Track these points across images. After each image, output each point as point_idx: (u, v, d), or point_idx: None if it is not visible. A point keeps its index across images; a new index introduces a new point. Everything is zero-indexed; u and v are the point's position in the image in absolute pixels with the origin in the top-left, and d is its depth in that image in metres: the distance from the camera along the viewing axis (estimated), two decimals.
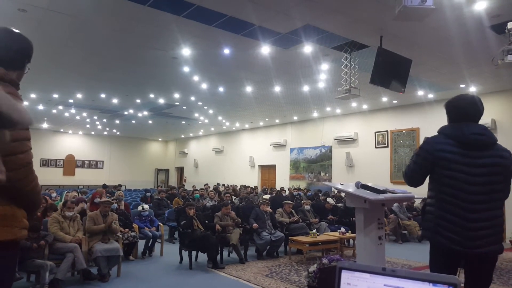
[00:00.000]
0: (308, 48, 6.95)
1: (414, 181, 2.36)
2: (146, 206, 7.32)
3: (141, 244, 6.76)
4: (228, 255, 6.65)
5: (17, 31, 1.65)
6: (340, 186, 2.82)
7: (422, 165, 2.30)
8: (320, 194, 11.72)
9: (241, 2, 5.25)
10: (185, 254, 6.26)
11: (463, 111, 2.32)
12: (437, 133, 2.38)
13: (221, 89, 10.35)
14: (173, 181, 24.38)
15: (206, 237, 6.02)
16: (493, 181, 2.20)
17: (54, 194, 8.28)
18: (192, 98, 11.70)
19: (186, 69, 8.45)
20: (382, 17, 5.51)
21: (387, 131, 12.09)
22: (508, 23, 4.62)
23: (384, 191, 2.67)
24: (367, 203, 2.60)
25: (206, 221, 6.69)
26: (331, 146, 13.94)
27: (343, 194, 11.67)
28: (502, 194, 2.26)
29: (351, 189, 2.70)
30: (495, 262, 2.30)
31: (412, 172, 2.35)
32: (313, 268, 3.99)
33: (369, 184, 2.71)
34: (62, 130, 20.75)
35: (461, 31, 5.94)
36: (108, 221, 5.47)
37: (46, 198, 6.61)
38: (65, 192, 8.94)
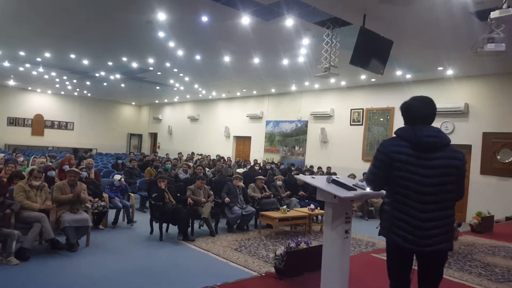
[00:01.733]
0: (289, 22, 6.77)
1: (375, 184, 2.44)
2: (122, 179, 7.20)
3: (111, 213, 6.69)
4: (199, 228, 6.69)
5: None
6: (311, 180, 2.81)
7: (380, 167, 2.36)
8: (292, 168, 11.88)
9: None
10: (155, 225, 6.25)
11: (416, 113, 2.37)
12: (393, 135, 2.46)
13: (198, 57, 10.04)
14: (146, 147, 24.03)
15: (177, 210, 6.01)
16: (444, 181, 2.28)
17: (21, 159, 7.95)
18: (167, 64, 11.32)
19: (161, 34, 8.09)
20: None
21: (363, 109, 12.21)
22: (492, 13, 4.61)
23: (354, 188, 2.69)
24: (337, 199, 2.62)
25: (178, 194, 6.66)
26: (307, 121, 14.00)
27: (315, 170, 11.88)
28: (454, 194, 2.35)
29: (322, 183, 2.70)
30: (445, 259, 2.45)
31: (372, 175, 2.42)
32: (280, 250, 4.06)
33: (340, 180, 2.72)
34: (30, 88, 19.79)
35: (445, 16, 5.91)
36: (76, 191, 5.32)
37: (13, 164, 6.36)
38: (32, 157, 8.61)
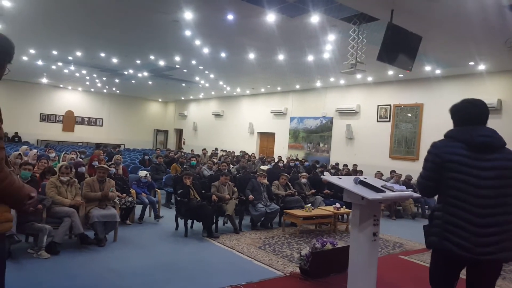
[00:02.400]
0: (315, 18, 6.68)
1: (428, 189, 2.28)
2: (147, 175, 7.35)
3: (138, 209, 6.84)
4: (224, 224, 6.74)
5: None
6: (337, 181, 2.76)
7: (432, 169, 2.22)
8: (317, 166, 11.76)
9: None
10: (181, 221, 6.34)
11: (467, 113, 2.27)
12: (443, 137, 2.31)
13: (223, 54, 10.08)
14: (171, 142, 24.44)
15: (202, 207, 6.07)
16: (503, 184, 2.12)
17: (53, 154, 8.24)
18: (193, 62, 11.44)
19: (187, 33, 8.18)
20: None
21: (390, 105, 11.93)
22: None
23: (382, 190, 2.61)
24: (365, 200, 2.55)
25: (203, 191, 6.72)
26: (332, 117, 13.82)
27: (341, 167, 11.72)
28: None
29: (350, 184, 2.64)
30: (500, 269, 2.23)
31: (424, 180, 2.26)
32: (305, 251, 4.03)
33: (368, 181, 2.65)
34: (61, 85, 20.51)
35: (476, 9, 5.68)
36: (104, 189, 5.48)
37: (45, 160, 6.60)
38: (63, 153, 8.92)
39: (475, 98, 2.33)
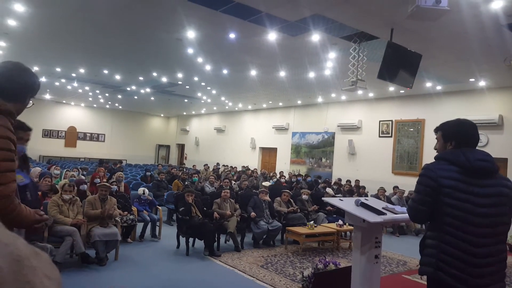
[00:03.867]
0: (316, 37, 6.77)
1: (420, 214, 2.14)
2: (146, 191, 7.33)
3: (139, 226, 6.81)
4: (225, 242, 6.69)
5: (25, 66, 1.68)
6: (338, 203, 2.75)
7: (426, 193, 2.07)
8: (319, 181, 11.74)
9: None
10: (182, 240, 6.30)
11: (465, 135, 2.15)
12: (435, 160, 2.19)
13: (225, 71, 10.18)
14: (173, 157, 24.46)
15: (203, 225, 6.05)
16: (498, 212, 2.04)
17: (57, 172, 8.25)
18: (196, 79, 11.54)
19: (190, 50, 8.28)
20: (394, 10, 5.31)
21: (392, 120, 11.97)
22: None
23: (383, 212, 2.60)
24: (366, 223, 2.54)
25: (205, 208, 6.71)
26: (334, 132, 13.85)
27: (343, 182, 11.68)
28: (507, 227, 2.10)
29: (351, 206, 2.64)
30: None
31: (417, 204, 2.12)
32: (307, 272, 4.00)
33: (369, 203, 2.65)
34: (64, 101, 20.67)
35: (475, 28, 5.75)
36: (106, 207, 5.47)
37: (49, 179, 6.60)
38: (65, 170, 8.93)
39: (468, 120, 2.23)
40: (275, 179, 11.55)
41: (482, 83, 9.30)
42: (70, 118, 21.50)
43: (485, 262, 1.97)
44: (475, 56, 7.17)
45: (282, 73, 9.87)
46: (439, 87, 10.16)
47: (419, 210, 2.12)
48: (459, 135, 2.16)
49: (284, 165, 15.76)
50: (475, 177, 2.03)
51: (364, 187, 10.85)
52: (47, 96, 18.86)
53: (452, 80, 9.29)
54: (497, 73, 8.33)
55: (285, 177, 12.15)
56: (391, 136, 11.94)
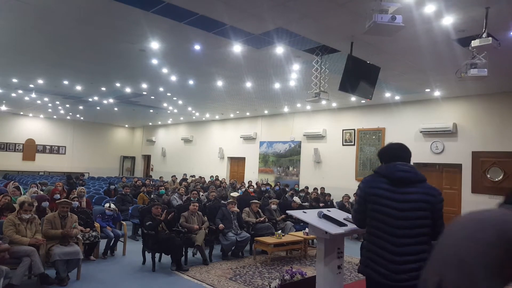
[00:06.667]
0: (280, 49, 6.90)
1: (359, 221, 2.53)
2: (112, 206, 7.12)
3: (102, 243, 6.59)
4: (193, 256, 6.61)
5: None
6: (302, 216, 2.83)
7: (359, 202, 2.48)
8: (287, 189, 11.87)
9: (213, 3, 5.11)
10: (148, 255, 6.16)
11: (392, 153, 2.53)
12: (372, 172, 2.59)
13: (191, 82, 10.14)
14: (139, 169, 23.90)
15: (170, 239, 5.95)
16: (417, 216, 2.31)
17: (21, 190, 7.76)
18: (161, 89, 11.41)
19: (154, 61, 8.19)
20: (353, 25, 5.53)
21: (354, 129, 12.34)
22: (472, 42, 4.78)
23: (344, 224, 2.71)
24: (328, 234, 2.64)
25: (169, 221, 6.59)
26: (300, 141, 14.08)
27: (310, 190, 11.87)
28: (428, 229, 2.34)
29: (313, 219, 2.71)
30: None
31: (355, 212, 2.52)
32: (275, 283, 4.03)
33: (331, 215, 2.74)
34: (21, 113, 19.73)
35: (429, 42, 6.09)
36: (67, 225, 5.26)
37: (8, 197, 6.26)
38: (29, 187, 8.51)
39: (400, 143, 2.62)
40: (244, 189, 11.56)
41: (437, 93, 9.81)
42: (28, 130, 20.54)
43: (403, 259, 2.26)
44: (429, 68, 7.58)
45: (249, 84, 9.96)
46: (397, 97, 10.62)
47: (356, 217, 2.55)
48: (386, 154, 2.57)
49: (252, 174, 15.81)
50: (399, 186, 2.37)
51: (329, 195, 11.09)
52: (3, 108, 17.95)
53: (409, 91, 9.75)
54: (450, 84, 8.83)
55: (253, 186, 12.18)
56: (354, 144, 12.31)
